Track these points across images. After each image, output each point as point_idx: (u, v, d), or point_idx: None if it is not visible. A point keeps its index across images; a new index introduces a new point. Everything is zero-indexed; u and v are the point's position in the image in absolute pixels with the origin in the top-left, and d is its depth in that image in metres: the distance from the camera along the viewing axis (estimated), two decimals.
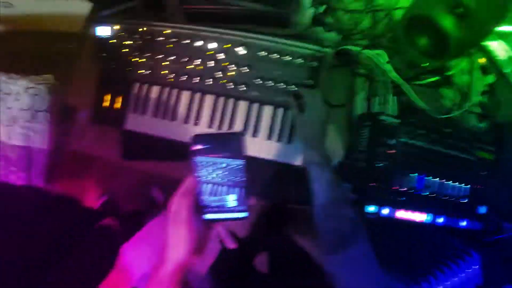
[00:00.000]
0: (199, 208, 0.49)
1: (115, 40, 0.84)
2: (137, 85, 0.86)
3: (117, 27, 0.83)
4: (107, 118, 0.88)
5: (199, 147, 0.46)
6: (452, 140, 0.79)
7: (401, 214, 0.76)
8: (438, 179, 0.78)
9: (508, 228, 0.85)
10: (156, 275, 0.49)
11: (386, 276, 0.54)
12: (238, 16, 0.86)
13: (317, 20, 0.85)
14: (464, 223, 0.81)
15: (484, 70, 0.85)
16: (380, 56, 0.80)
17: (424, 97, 0.81)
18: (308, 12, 0.86)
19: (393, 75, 0.79)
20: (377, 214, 0.75)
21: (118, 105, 0.87)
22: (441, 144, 0.78)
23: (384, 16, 0.85)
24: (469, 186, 0.80)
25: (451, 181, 0.79)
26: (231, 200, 0.48)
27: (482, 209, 0.82)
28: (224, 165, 0.47)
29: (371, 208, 0.74)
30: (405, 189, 0.76)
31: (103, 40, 0.84)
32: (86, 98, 0.91)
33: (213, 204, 0.48)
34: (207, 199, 0.48)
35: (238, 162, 0.47)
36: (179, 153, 0.92)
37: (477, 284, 1.06)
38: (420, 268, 1.08)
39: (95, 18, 0.87)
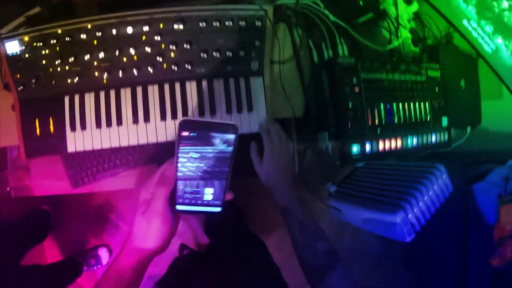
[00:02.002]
0: (173, 198, 0.44)
1: (28, 54, 0.71)
2: (67, 98, 0.74)
3: (27, 38, 0.71)
4: (43, 147, 0.75)
5: (185, 133, 0.41)
6: (404, 65, 0.81)
7: (382, 145, 0.76)
8: (401, 104, 0.80)
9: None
10: (117, 266, 0.44)
11: None
12: None
13: None
14: (433, 138, 0.84)
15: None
16: (317, 4, 0.80)
17: (364, 34, 0.83)
18: None
19: (334, 19, 0.80)
20: (362, 153, 0.74)
21: (51, 128, 0.74)
22: (396, 72, 0.80)
23: None
24: (428, 103, 0.84)
25: (412, 103, 0.82)
26: (208, 193, 0.45)
27: (444, 121, 0.87)
28: (210, 153, 0.42)
29: (355, 148, 0.73)
30: (377, 122, 0.77)
31: (14, 58, 0.71)
32: (12, 135, 0.77)
33: (188, 195, 0.44)
34: (182, 189, 0.44)
35: (226, 150, 0.42)
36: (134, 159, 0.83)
37: (450, 192, 1.13)
38: (399, 193, 1.12)
39: None
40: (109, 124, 0.74)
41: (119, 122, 0.73)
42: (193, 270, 0.87)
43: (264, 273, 0.78)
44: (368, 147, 0.74)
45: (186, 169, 0.43)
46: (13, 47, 0.71)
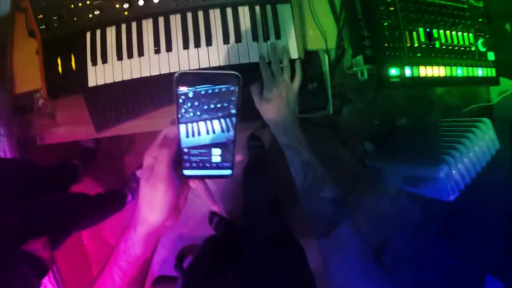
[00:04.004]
0: (178, 162, 0.40)
1: None
2: (89, 33, 0.73)
3: None
4: (65, 85, 0.73)
5: (183, 88, 0.36)
6: None
7: (424, 71, 0.69)
8: (442, 30, 0.73)
9: None
10: (128, 237, 0.42)
11: (373, 256, 0.52)
12: None
13: None
14: (480, 72, 0.76)
15: None
16: None
17: None
18: None
19: None
20: (401, 77, 0.67)
21: (73, 65, 0.73)
22: None
23: None
24: (472, 33, 0.76)
25: (455, 31, 0.74)
26: (216, 154, 0.40)
27: (491, 55, 0.79)
28: (213, 107, 0.37)
29: (393, 71, 0.66)
30: (417, 44, 0.70)
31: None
32: (37, 78, 0.76)
33: (195, 158, 0.40)
34: (188, 152, 0.40)
35: (230, 104, 0.37)
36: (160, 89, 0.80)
37: (496, 149, 1.03)
38: (442, 148, 1.03)
39: None
40: (130, 55, 0.71)
41: (141, 53, 0.71)
42: (221, 261, 0.83)
43: (296, 278, 0.71)
44: (408, 71, 0.67)
45: (188, 121, 0.38)
46: None
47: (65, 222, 1.04)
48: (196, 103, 0.37)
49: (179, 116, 0.37)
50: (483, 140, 1.01)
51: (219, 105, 0.37)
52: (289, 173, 0.64)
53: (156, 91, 0.78)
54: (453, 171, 0.97)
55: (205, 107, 0.37)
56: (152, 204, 0.39)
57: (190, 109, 0.37)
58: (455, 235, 1.50)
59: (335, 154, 1.63)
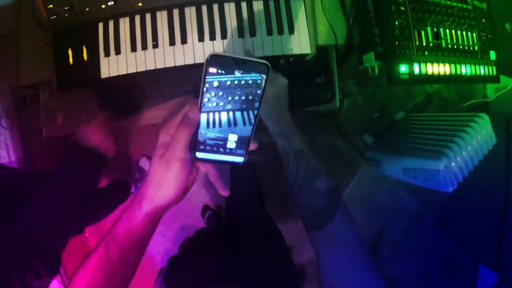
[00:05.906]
0: (193, 143, 0.40)
1: None
2: (101, 24, 0.72)
3: None
4: (76, 77, 0.73)
5: (213, 70, 0.36)
6: None
7: (430, 69, 0.72)
8: (448, 30, 0.76)
9: None
10: (130, 213, 0.39)
11: (367, 251, 0.48)
12: None
13: None
14: (482, 70, 0.79)
15: None
16: None
17: None
18: None
19: None
20: (410, 74, 0.70)
21: (84, 56, 0.72)
22: None
23: None
24: (475, 33, 0.80)
25: (459, 31, 0.77)
26: (232, 140, 0.40)
27: (492, 55, 0.82)
28: (238, 93, 0.37)
29: (403, 68, 0.69)
30: (425, 43, 0.72)
31: None
32: (45, 70, 0.75)
33: (211, 142, 0.40)
34: (204, 134, 0.39)
35: (255, 91, 0.38)
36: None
37: (493, 144, 1.07)
38: (441, 141, 1.07)
39: None
40: (144, 47, 0.71)
41: (155, 44, 0.71)
42: (204, 247, 0.83)
43: (275, 259, 0.73)
44: (416, 68, 0.70)
45: (210, 110, 0.38)
46: None
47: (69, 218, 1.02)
48: (221, 93, 0.37)
49: (203, 96, 0.38)
50: (480, 135, 1.06)
51: (243, 97, 0.38)
52: (275, 163, 0.60)
53: (168, 84, 0.79)
54: (452, 164, 1.00)
55: (230, 98, 0.38)
56: (163, 182, 0.38)
57: (214, 98, 0.37)
58: (449, 226, 1.56)
59: (334, 145, 1.66)
